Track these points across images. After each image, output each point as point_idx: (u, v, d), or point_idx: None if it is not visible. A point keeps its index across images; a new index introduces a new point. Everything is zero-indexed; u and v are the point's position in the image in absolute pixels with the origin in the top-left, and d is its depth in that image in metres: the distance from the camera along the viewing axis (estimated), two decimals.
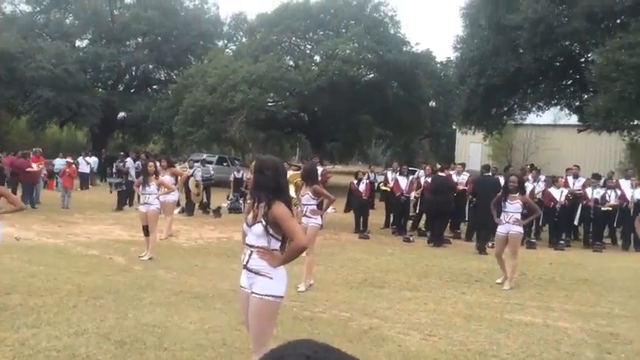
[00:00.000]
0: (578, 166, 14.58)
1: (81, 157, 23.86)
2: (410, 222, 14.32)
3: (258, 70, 24.79)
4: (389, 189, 14.24)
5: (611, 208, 12.99)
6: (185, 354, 4.64)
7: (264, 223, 3.63)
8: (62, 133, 44.76)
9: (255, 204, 3.74)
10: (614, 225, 13.52)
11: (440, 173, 13.15)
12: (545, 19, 17.30)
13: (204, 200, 16.60)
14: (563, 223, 13.23)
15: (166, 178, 10.38)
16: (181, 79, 30.16)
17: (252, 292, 3.64)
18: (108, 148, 34.30)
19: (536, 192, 13.00)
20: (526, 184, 11.14)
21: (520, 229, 8.26)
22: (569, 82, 21.99)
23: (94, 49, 33.46)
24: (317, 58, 28.60)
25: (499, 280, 8.21)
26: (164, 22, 33.81)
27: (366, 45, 25.66)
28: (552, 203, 12.99)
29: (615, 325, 6.22)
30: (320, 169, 17.02)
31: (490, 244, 11.45)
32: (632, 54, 14.95)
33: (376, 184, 16.73)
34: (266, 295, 3.60)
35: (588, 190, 13.32)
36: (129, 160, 17.22)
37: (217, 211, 15.78)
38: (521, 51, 19.18)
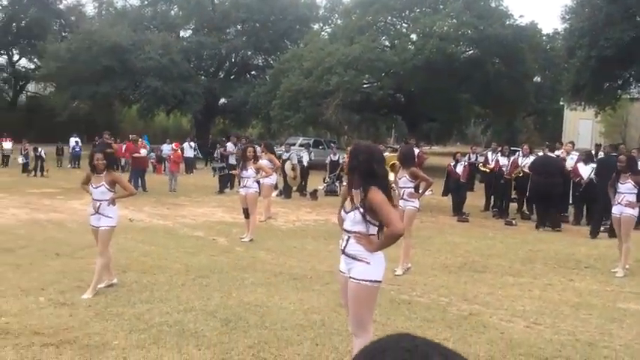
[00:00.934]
0: None
1: (186, 143, 25.14)
2: (512, 204, 13.71)
3: (353, 51, 24.71)
4: (488, 170, 13.71)
5: None
6: (286, 333, 4.77)
7: (361, 209, 3.61)
8: (169, 120, 47.40)
9: (352, 190, 3.73)
10: None
11: (548, 153, 12.39)
12: None
13: (302, 183, 16.89)
14: None
15: (264, 162, 10.66)
16: (278, 64, 30.77)
17: (350, 277, 3.66)
18: (210, 133, 35.89)
19: None
20: None
21: (633, 212, 7.65)
22: None
23: (197, 38, 34.97)
24: (413, 36, 27.95)
25: (615, 269, 7.66)
26: (262, 9, 34.57)
27: (466, 20, 24.74)
28: None
29: None
30: (416, 150, 16.78)
31: (602, 229, 10.75)
32: None
33: (475, 164, 16.19)
34: (363, 280, 3.60)
35: None
36: (229, 144, 17.87)
37: (314, 194, 16.02)
38: (638, 19, 17.60)
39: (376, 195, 3.55)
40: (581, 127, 30.31)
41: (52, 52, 31.36)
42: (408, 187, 7.36)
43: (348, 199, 3.78)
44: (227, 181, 17.29)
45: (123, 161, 21.79)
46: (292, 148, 17.28)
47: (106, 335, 4.61)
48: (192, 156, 24.77)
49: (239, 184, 10.20)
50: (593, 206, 12.56)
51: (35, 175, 19.77)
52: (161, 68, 30.36)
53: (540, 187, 11.78)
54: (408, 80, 25.92)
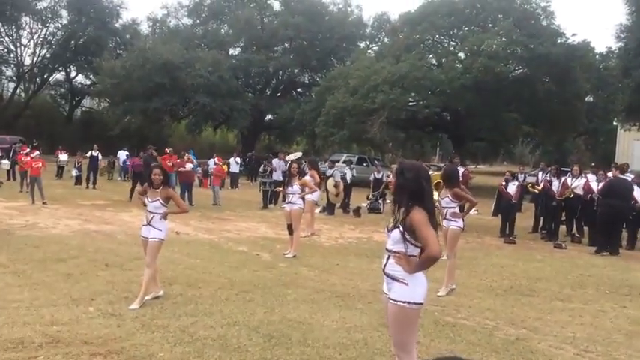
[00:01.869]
0: None
1: (232, 158, 25.58)
2: (562, 227, 13.31)
3: (399, 70, 24.71)
4: (537, 191, 13.38)
5: None
6: (328, 351, 4.75)
7: (401, 228, 3.56)
8: (215, 135, 48.41)
9: (396, 208, 3.70)
10: None
11: (620, 175, 11.90)
12: None
13: (345, 200, 16.88)
14: None
15: (307, 178, 10.72)
16: (324, 82, 31.04)
17: (389, 298, 3.57)
18: (254, 149, 36.41)
19: None
20: None
21: None
22: None
23: (245, 56, 35.74)
24: (461, 55, 27.76)
25: None
26: (309, 27, 35.08)
27: (515, 39, 24.42)
28: None
29: None
30: (461, 169, 16.54)
31: None
32: None
33: (524, 185, 15.82)
34: (401, 302, 3.49)
35: None
36: (275, 160, 18.06)
37: (357, 211, 15.99)
38: None
39: (417, 214, 3.50)
40: (636, 149, 29.25)
41: (107, 69, 32.63)
42: (451, 207, 7.26)
43: (392, 217, 3.75)
44: (271, 196, 17.46)
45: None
46: (336, 164, 17.29)
47: (152, 347, 4.70)
48: (237, 171, 25.19)
49: (283, 200, 10.28)
50: None
51: (87, 188, 20.45)
52: (210, 85, 31.13)
53: (610, 210, 11.31)
54: (454, 99, 25.69)
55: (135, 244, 9.56)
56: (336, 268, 8.59)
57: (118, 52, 41.39)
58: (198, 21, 38.80)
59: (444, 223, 7.18)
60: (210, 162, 24.02)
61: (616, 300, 7.23)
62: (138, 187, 17.22)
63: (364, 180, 23.39)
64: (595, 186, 12.55)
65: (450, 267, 7.13)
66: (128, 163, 25.51)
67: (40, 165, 15.61)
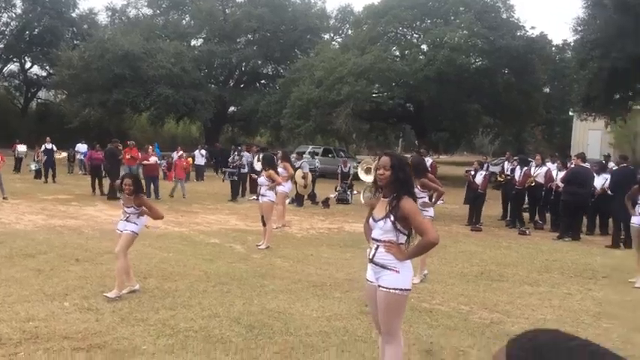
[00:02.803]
0: None
1: (197, 151, 25.29)
2: (525, 214, 13.71)
3: (364, 62, 24.85)
4: (503, 179, 13.74)
5: None
6: (311, 340, 4.81)
7: (392, 218, 3.63)
8: (178, 127, 47.67)
9: (382, 199, 3.76)
10: None
11: (581, 164, 12.28)
12: None
13: (312, 192, 16.96)
14: None
15: (280, 169, 10.71)
16: (289, 74, 30.96)
17: (380, 286, 3.64)
18: (219, 141, 36.07)
19: None
20: None
21: None
22: None
23: (208, 47, 35.24)
24: (424, 47, 28.11)
25: (632, 279, 7.66)
26: (273, 19, 34.85)
27: (477, 31, 24.88)
28: None
29: None
30: (429, 160, 16.84)
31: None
32: None
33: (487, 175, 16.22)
34: (393, 289, 3.60)
35: None
36: (246, 154, 17.94)
37: (326, 202, 16.08)
38: None
39: (409, 204, 3.59)
40: (591, 138, 30.24)
41: (64, 59, 31.68)
42: (421, 197, 7.39)
43: (377, 207, 3.80)
44: (238, 188, 17.36)
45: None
46: (304, 156, 17.34)
47: (134, 340, 4.67)
48: (202, 164, 24.92)
49: (251, 192, 10.23)
50: (604, 217, 12.61)
51: (46, 182, 19.89)
52: (172, 76, 30.62)
53: (572, 198, 11.69)
54: (418, 90, 26.03)
55: (104, 238, 9.41)
56: (310, 258, 8.65)
57: (75, 42, 40.15)
58: (158, 11, 38.03)
59: None
60: (174, 154, 23.69)
61: (581, 283, 7.54)
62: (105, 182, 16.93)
63: (331, 171, 23.55)
64: (555, 174, 13.00)
65: (423, 255, 7.27)
66: (86, 156, 24.94)
67: None
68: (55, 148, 21.35)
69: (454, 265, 8.49)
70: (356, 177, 17.67)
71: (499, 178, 14.55)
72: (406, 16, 28.08)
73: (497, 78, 26.31)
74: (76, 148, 26.02)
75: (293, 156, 17.31)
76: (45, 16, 40.99)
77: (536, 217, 13.58)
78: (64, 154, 25.13)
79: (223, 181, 20.74)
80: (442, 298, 6.45)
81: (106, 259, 7.76)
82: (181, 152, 21.82)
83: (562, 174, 12.56)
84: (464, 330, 5.28)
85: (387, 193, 3.71)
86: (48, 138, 21.24)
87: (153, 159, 17.47)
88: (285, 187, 11.99)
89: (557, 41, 33.05)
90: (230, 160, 18.35)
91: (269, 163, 9.78)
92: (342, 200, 17.09)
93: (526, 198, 13.45)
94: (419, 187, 7.34)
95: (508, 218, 13.57)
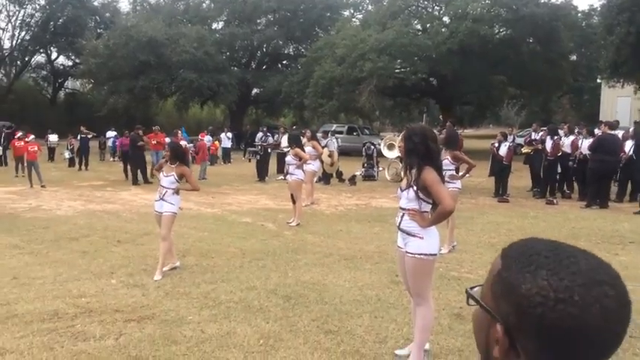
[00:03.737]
0: None
1: (223, 134, 25.66)
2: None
3: (386, 37, 24.76)
4: (530, 151, 13.71)
5: None
6: (345, 307, 5.07)
7: (414, 187, 3.84)
8: (202, 112, 48.17)
9: (408, 170, 3.96)
10: None
11: (609, 131, 12.18)
12: None
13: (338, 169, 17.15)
14: None
15: (308, 149, 10.94)
16: (310, 53, 30.98)
17: (407, 252, 3.87)
18: (244, 124, 36.42)
19: None
20: None
21: None
22: None
23: (229, 30, 35.45)
24: (446, 19, 27.79)
25: None
26: None
27: (499, 0, 24.47)
28: None
29: None
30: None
31: None
32: None
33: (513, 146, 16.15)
34: (418, 254, 3.81)
35: None
36: (276, 136, 18.20)
37: (352, 180, 16.29)
38: None
39: (429, 174, 3.78)
40: (619, 105, 29.61)
41: (90, 49, 32.26)
42: (449, 170, 7.53)
43: (404, 178, 4.02)
44: (264, 168, 17.63)
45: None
46: (329, 135, 17.52)
47: (180, 312, 4.99)
48: (229, 146, 25.30)
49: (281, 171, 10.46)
50: (634, 184, 12.54)
51: (80, 169, 20.51)
52: (196, 61, 30.95)
53: (600, 166, 11.63)
54: (441, 64, 25.83)
55: (142, 220, 9.82)
56: (340, 233, 8.90)
57: (99, 31, 40.78)
58: None
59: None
60: (206, 138, 24.11)
61: (608, 249, 7.63)
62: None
63: (356, 149, 23.67)
64: (580, 143, 12.91)
65: (451, 226, 7.46)
66: (117, 142, 25.54)
67: (36, 149, 15.68)
68: (89, 136, 21.95)
69: (481, 236, 8.65)
70: (380, 154, 17.78)
71: (524, 150, 14.51)
72: None
73: (522, 48, 25.94)
74: (107, 135, 26.66)
75: (319, 135, 17.49)
76: (68, 6, 41.66)
77: (564, 187, 13.56)
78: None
79: (250, 161, 21.05)
80: (470, 267, 6.65)
81: (145, 240, 8.15)
82: (207, 135, 22.19)
83: (588, 142, 12.48)
84: None
85: (410, 163, 3.91)
86: (82, 127, 21.83)
87: (182, 143, 17.83)
88: (314, 165, 12.22)
89: (584, 7, 32.37)
90: (257, 140, 18.64)
91: (295, 142, 10.00)
92: (368, 177, 17.28)
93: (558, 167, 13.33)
94: (450, 158, 7.51)
95: (536, 189, 13.55)
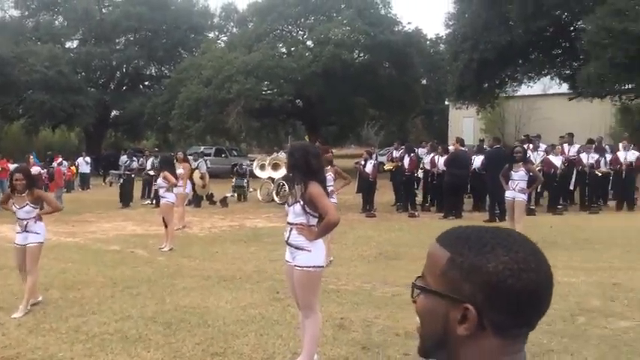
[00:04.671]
0: (571, 134, 14.92)
1: (81, 158, 24.10)
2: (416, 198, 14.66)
3: (252, 59, 25.02)
4: (392, 168, 14.59)
5: (601, 174, 13.43)
6: (229, 328, 5.00)
7: (301, 202, 3.95)
8: (54, 135, 44.76)
9: (293, 186, 4.07)
10: (609, 188, 14.00)
11: (460, 147, 13.35)
12: None
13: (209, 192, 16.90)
14: (560, 189, 13.65)
15: (180, 171, 10.67)
16: (175, 74, 30.34)
17: (295, 266, 3.96)
18: (103, 147, 34.51)
19: (536, 161, 13.41)
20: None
21: (524, 197, 8.75)
22: (559, 52, 22.35)
23: (85, 49, 33.60)
24: (310, 43, 28.79)
25: None
26: (154, 18, 33.87)
27: (358, 27, 25.92)
28: (552, 170, 13.38)
29: (617, 277, 6.67)
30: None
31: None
32: (622, 20, 15.28)
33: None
34: (307, 267, 3.92)
35: (583, 156, 13.71)
36: (150, 160, 17.47)
37: (224, 201, 16.12)
38: (511, 24, 19.48)
39: (314, 188, 3.92)
40: (465, 125, 32.51)
41: None
42: (330, 185, 7.83)
43: (290, 194, 4.12)
44: (129, 193, 16.86)
45: None
46: (199, 157, 17.24)
47: (49, 349, 4.58)
48: (87, 171, 23.81)
49: (143, 196, 10.09)
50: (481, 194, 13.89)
51: None
52: (48, 80, 28.85)
53: (454, 179, 12.68)
54: (306, 86, 26.66)
55: None
56: (217, 255, 8.77)
57: None
58: (27, 12, 35.42)
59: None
60: (54, 163, 22.39)
61: None
62: None
63: (224, 170, 23.47)
64: (436, 159, 14.07)
65: (328, 240, 7.69)
66: None
67: None
68: None
69: (354, 249, 9.02)
70: (252, 175, 17.84)
71: (386, 167, 15.42)
72: (291, 13, 28.61)
73: (379, 72, 27.61)
74: None
75: (190, 157, 17.11)
76: None
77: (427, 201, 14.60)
78: None
79: (111, 185, 19.94)
80: (347, 279, 6.89)
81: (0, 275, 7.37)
82: (61, 160, 20.71)
83: (443, 159, 13.61)
84: (369, 303, 5.73)
85: (297, 179, 4.02)
86: None
87: (35, 169, 16.51)
88: (186, 188, 11.94)
89: (431, 35, 35.24)
90: (120, 162, 17.79)
91: (167, 164, 9.72)
92: (239, 187, 17.32)
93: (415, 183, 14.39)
94: (332, 174, 7.84)
95: (399, 203, 14.42)
